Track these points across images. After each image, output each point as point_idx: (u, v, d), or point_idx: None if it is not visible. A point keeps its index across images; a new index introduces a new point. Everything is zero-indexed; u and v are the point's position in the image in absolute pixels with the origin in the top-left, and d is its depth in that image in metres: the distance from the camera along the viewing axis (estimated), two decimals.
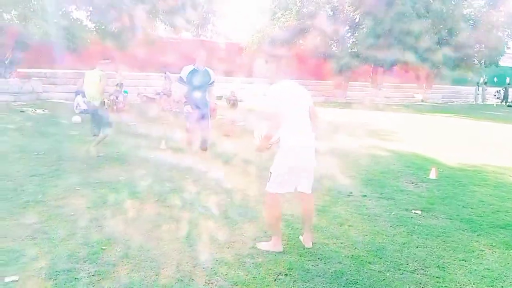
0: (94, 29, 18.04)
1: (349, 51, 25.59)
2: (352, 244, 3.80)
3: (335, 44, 25.57)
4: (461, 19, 27.46)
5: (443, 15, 25.84)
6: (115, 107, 14.38)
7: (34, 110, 13.61)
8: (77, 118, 11.24)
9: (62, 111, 13.47)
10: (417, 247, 3.80)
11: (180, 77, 6.36)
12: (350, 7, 23.09)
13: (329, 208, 4.81)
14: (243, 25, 59.95)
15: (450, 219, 4.61)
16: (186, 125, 6.68)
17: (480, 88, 31.15)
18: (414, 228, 4.28)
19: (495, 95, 32.14)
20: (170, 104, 16.12)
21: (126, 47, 17.68)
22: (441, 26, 25.97)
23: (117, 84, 16.10)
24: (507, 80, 38.74)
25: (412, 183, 6.16)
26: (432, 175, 6.47)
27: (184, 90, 6.41)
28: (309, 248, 3.68)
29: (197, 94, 6.38)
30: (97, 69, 6.95)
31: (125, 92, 16.56)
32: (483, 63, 28.78)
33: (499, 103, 30.90)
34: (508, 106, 28.70)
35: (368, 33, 23.28)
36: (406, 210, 4.88)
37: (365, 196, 5.35)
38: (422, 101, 29.60)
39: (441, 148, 9.25)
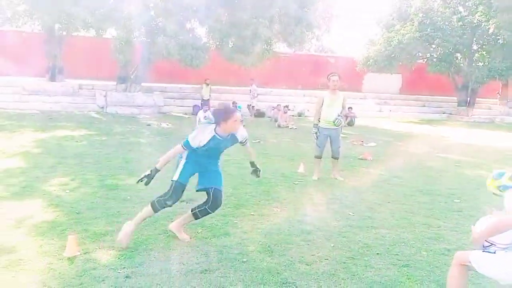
0: (214, 45, 18.27)
1: (479, 64, 22.96)
2: None
3: (461, 57, 23.12)
4: None
5: None
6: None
7: (159, 124, 13.90)
8: None
9: (186, 125, 13.57)
10: None
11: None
12: (482, 17, 20.64)
13: None
14: (357, 38, 58.58)
15: None
16: None
17: None
18: None
19: None
20: (287, 120, 15.54)
21: (246, 63, 17.59)
22: None
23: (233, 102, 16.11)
24: None
25: None
26: None
27: None
28: None
29: None
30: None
31: (239, 107, 16.44)
32: None
33: None
34: None
35: (503, 45, 20.61)
36: None
37: None
38: None
39: None
